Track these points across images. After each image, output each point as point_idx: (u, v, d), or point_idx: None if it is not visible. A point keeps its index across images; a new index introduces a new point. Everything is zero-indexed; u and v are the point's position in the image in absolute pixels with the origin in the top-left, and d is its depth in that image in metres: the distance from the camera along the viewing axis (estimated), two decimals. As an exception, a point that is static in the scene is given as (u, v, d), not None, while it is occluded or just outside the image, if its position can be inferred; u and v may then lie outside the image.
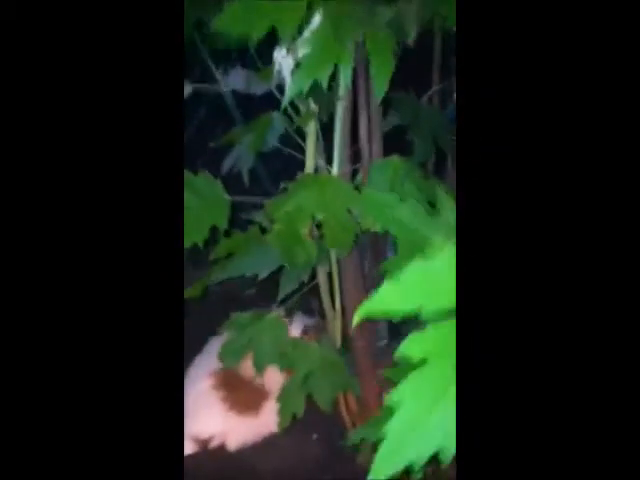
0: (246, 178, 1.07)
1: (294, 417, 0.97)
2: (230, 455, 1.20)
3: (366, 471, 1.08)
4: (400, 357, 0.45)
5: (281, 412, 0.96)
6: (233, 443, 1.19)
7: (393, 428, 0.42)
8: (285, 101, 0.73)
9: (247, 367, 1.18)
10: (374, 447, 1.11)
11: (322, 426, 1.27)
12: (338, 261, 0.98)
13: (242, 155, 1.05)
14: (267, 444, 1.22)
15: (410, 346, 0.45)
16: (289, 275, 0.80)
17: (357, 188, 0.79)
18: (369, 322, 1.06)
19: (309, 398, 1.22)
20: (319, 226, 0.80)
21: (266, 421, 1.19)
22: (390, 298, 0.44)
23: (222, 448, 1.18)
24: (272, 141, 1.01)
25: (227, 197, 0.89)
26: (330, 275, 1.03)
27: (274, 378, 1.17)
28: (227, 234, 0.91)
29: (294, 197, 0.79)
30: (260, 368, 0.95)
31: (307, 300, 1.30)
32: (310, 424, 1.25)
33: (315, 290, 1.13)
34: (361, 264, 1.02)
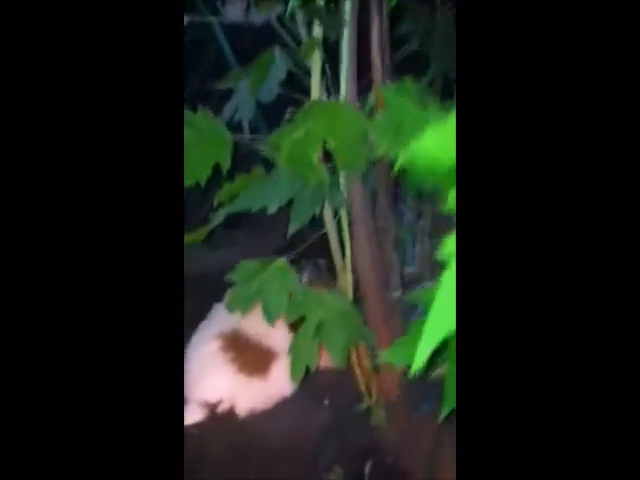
0: (247, 129, 1.02)
1: (307, 371, 0.92)
2: (239, 421, 1.15)
3: (378, 434, 1.04)
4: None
5: (293, 365, 0.91)
6: (242, 407, 1.14)
7: (444, 288, 0.37)
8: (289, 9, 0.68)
9: (253, 327, 1.16)
10: (387, 408, 1.07)
11: (334, 392, 1.22)
12: (349, 210, 0.93)
13: (241, 102, 1.00)
14: (277, 410, 1.18)
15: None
16: (299, 207, 0.75)
17: (369, 115, 0.75)
18: (381, 273, 1.02)
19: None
20: (329, 156, 0.76)
21: (276, 382, 1.14)
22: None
23: (231, 414, 1.13)
24: (274, 85, 0.96)
25: (229, 135, 0.84)
26: (339, 225, 0.99)
27: (282, 338, 1.13)
28: (230, 176, 0.86)
29: (302, 124, 0.74)
30: (271, 317, 0.89)
31: (314, 257, 1.27)
32: (321, 390, 1.21)
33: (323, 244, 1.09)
34: (372, 213, 0.97)
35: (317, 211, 0.78)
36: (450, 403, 0.55)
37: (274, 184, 0.77)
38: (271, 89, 0.97)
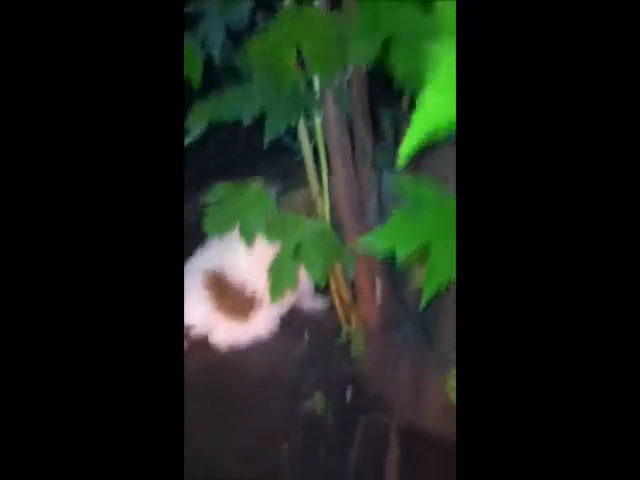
0: (217, 59, 0.99)
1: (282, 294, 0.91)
2: (220, 355, 1.15)
3: (359, 364, 1.04)
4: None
5: (272, 286, 0.90)
6: (217, 339, 1.16)
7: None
8: None
9: (238, 273, 1.14)
10: (367, 337, 1.06)
11: (313, 327, 1.23)
12: (325, 130, 0.92)
13: (210, 28, 0.96)
14: (256, 344, 1.18)
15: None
16: (274, 116, 0.73)
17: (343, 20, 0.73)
18: (357, 198, 1.01)
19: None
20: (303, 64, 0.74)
21: (254, 328, 1.16)
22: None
23: (206, 343, 1.15)
24: (244, 10, 0.93)
25: (199, 49, 0.82)
26: (315, 148, 0.98)
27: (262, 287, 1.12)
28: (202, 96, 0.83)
29: (276, 29, 0.72)
30: (248, 238, 0.88)
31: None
32: (301, 327, 1.21)
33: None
34: (350, 134, 0.96)
35: (292, 121, 0.77)
36: (430, 289, 0.55)
37: (248, 93, 0.74)
38: (241, 14, 0.94)
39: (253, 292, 1.15)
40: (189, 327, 1.15)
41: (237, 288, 1.14)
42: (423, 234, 0.54)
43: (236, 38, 1.06)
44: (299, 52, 0.72)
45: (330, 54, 0.70)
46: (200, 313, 1.15)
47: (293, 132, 1.08)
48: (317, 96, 0.80)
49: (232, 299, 1.15)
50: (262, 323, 1.17)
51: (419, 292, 0.76)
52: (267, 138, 0.73)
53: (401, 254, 0.53)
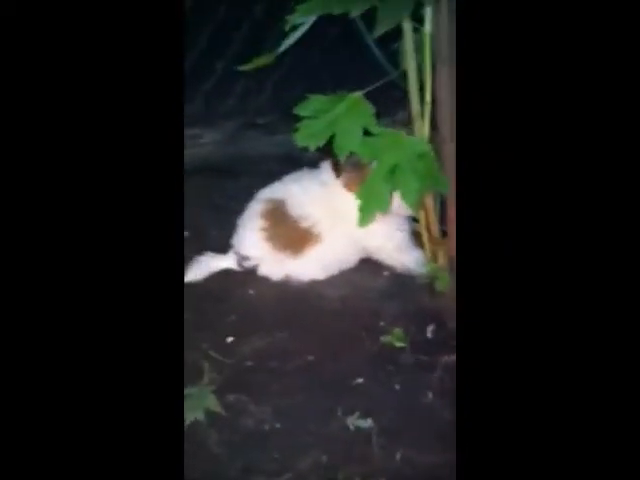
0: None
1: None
2: (299, 284, 1.12)
3: (443, 300, 0.98)
4: None
5: (363, 209, 0.84)
6: (265, 271, 1.12)
7: None
8: None
9: (297, 206, 1.09)
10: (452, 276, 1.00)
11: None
12: (435, 39, 0.84)
13: None
14: (338, 276, 1.14)
15: None
16: (387, 9, 0.66)
17: None
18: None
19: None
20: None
21: (306, 265, 1.10)
22: None
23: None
24: None
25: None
26: (420, 67, 0.90)
27: (326, 224, 1.09)
28: None
29: None
30: (342, 152, 0.82)
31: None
32: (381, 265, 1.16)
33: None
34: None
35: (404, 16, 0.69)
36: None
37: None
38: None
39: (310, 226, 1.09)
40: (243, 257, 1.12)
41: (293, 220, 1.09)
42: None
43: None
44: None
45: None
46: (252, 244, 1.12)
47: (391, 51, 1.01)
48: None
49: (286, 231, 1.10)
50: (315, 260, 1.11)
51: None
52: (377, 31, 0.66)
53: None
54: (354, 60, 1.45)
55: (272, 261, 1.12)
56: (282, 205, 1.10)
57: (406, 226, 1.13)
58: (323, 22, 0.78)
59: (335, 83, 1.56)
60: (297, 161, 1.24)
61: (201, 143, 1.55)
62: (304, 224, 1.09)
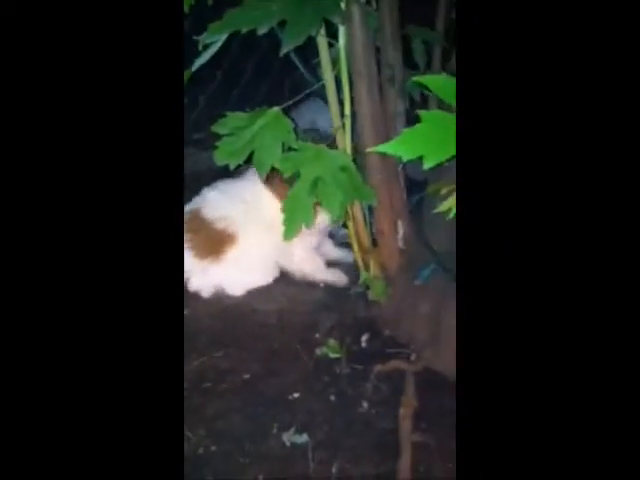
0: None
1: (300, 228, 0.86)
2: (234, 297, 1.11)
3: (376, 308, 0.99)
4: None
5: (288, 222, 0.84)
6: (195, 285, 1.11)
7: None
8: None
9: (213, 210, 1.10)
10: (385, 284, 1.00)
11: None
12: (349, 53, 0.84)
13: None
14: (270, 288, 1.13)
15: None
16: (293, 26, 0.66)
17: None
18: (383, 132, 0.94)
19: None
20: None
21: (228, 266, 1.10)
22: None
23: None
24: None
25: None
26: (338, 79, 0.90)
27: (240, 223, 1.10)
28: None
29: None
30: (262, 169, 0.82)
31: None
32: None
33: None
34: (376, 65, 0.88)
35: (313, 31, 0.69)
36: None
37: (267, 2, 0.67)
38: None
39: (226, 226, 1.09)
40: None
41: (209, 223, 1.10)
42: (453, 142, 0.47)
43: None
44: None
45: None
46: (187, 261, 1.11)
47: (314, 66, 1.01)
48: (341, 5, 0.72)
49: (205, 236, 1.10)
50: (235, 263, 1.11)
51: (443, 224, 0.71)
52: (285, 48, 0.67)
53: (430, 162, 0.47)
54: (286, 73, 1.47)
55: (198, 272, 1.11)
56: (198, 212, 1.11)
57: (326, 246, 1.17)
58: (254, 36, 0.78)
59: (268, 96, 1.57)
60: (232, 176, 1.24)
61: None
62: (219, 225, 1.10)
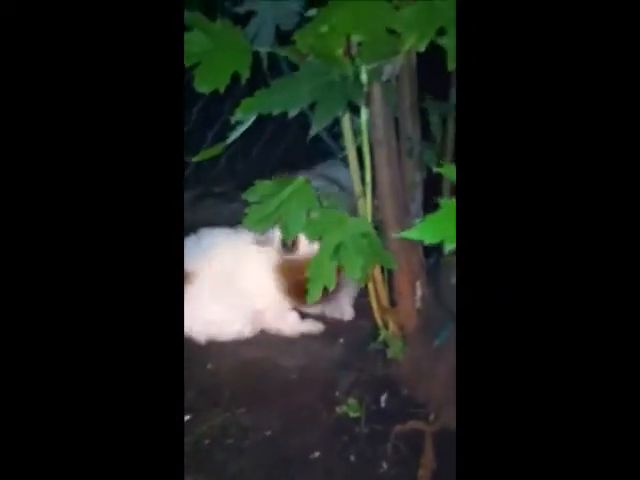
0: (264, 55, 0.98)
1: (325, 290, 0.89)
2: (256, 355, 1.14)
3: (395, 367, 1.00)
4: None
5: (311, 284, 0.88)
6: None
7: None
8: None
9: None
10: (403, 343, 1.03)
11: (349, 332, 1.21)
12: (371, 126, 0.90)
13: (261, 27, 0.95)
14: (292, 344, 1.16)
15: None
16: (322, 109, 0.72)
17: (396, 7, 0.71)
18: (402, 199, 0.99)
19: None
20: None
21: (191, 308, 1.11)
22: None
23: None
24: (295, 7, 0.92)
25: (249, 44, 0.81)
26: (360, 150, 0.96)
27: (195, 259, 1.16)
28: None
29: (326, 20, 0.71)
30: (289, 234, 0.87)
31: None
32: (336, 331, 1.20)
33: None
34: (395, 133, 0.94)
35: (339, 112, 0.75)
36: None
37: (295, 85, 0.73)
38: (291, 13, 0.93)
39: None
40: None
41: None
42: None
43: (285, 37, 1.06)
44: (348, 41, 0.71)
45: (380, 43, 0.69)
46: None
47: (336, 133, 1.07)
48: (364, 88, 0.78)
49: None
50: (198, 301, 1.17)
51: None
52: (315, 129, 0.72)
53: (450, 245, 0.51)
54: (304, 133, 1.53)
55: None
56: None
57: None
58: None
59: (286, 153, 1.62)
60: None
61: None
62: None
